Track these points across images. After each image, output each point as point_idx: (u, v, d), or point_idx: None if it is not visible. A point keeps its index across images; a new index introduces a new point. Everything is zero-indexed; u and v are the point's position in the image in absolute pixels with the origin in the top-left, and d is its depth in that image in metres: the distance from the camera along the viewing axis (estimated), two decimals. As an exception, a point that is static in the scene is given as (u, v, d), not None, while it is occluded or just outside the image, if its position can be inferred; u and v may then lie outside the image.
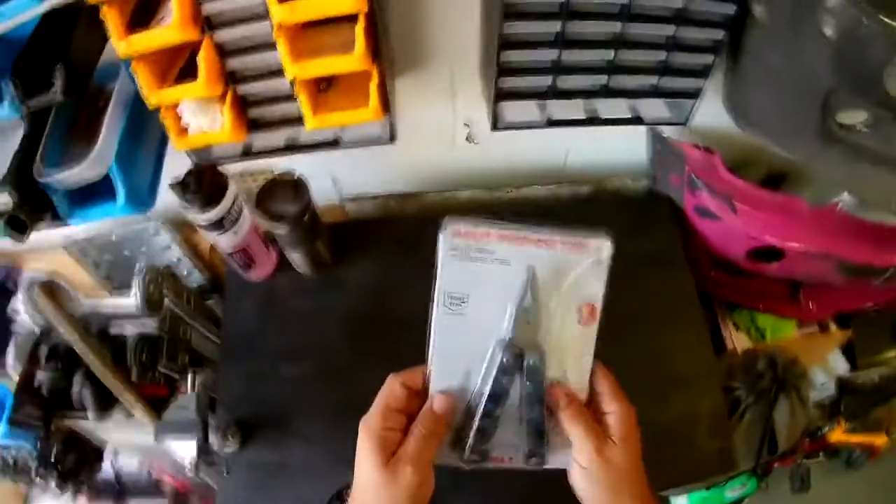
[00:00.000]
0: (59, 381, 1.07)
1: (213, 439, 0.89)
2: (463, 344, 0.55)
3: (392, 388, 0.56)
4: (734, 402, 1.06)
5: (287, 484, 0.93)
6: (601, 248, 0.55)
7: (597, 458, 0.53)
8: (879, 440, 1.56)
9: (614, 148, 1.11)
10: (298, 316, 1.04)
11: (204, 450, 0.85)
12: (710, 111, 0.95)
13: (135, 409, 0.97)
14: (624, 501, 0.54)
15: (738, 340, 1.20)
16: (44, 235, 0.96)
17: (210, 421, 0.87)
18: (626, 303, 0.97)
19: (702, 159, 0.97)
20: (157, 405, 0.98)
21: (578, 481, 0.55)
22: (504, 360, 0.54)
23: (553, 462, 0.57)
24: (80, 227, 1.02)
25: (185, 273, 1.29)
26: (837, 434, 1.51)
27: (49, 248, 1.28)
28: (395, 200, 1.17)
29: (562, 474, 0.58)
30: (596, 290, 0.55)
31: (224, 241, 0.92)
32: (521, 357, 0.54)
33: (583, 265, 0.55)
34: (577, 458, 0.55)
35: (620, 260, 0.99)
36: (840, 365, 1.40)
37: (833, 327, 1.30)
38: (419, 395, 0.56)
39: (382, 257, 1.05)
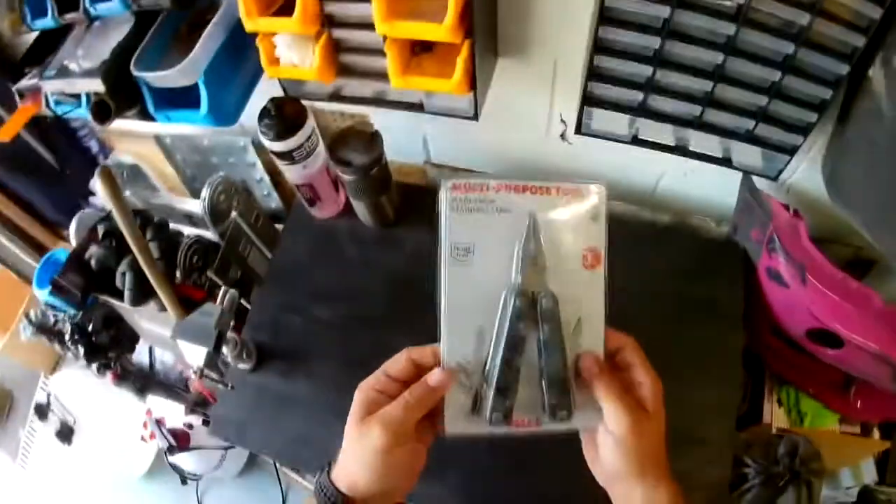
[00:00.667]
0: (108, 259, 1.13)
1: (229, 353, 0.93)
2: (473, 296, 0.55)
3: (397, 358, 0.57)
4: (741, 477, 1.01)
5: (284, 415, 0.96)
6: (598, 194, 0.56)
7: (634, 430, 0.52)
8: None
9: (706, 186, 1.06)
10: (347, 263, 1.07)
11: (212, 361, 0.89)
12: (808, 176, 0.90)
13: (168, 305, 1.02)
14: (648, 471, 0.54)
15: (776, 417, 1.14)
16: (140, 124, 1.03)
17: (230, 336, 0.91)
18: (667, 341, 0.95)
19: (787, 221, 0.91)
20: (191, 307, 1.02)
21: (608, 450, 0.54)
22: (517, 303, 0.54)
23: (579, 421, 0.56)
24: (175, 126, 1.07)
25: (265, 193, 1.35)
26: (848, 542, 1.42)
27: (142, 137, 1.36)
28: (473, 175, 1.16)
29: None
30: (596, 235, 0.56)
31: (292, 173, 0.95)
32: (534, 300, 0.54)
33: (581, 211, 0.56)
34: (611, 426, 0.53)
35: (677, 297, 0.97)
36: (870, 473, 1.32)
37: (876, 433, 1.21)
38: (425, 372, 0.55)
39: None
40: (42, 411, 1.79)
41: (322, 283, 1.05)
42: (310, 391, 0.96)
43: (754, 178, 0.92)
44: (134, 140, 1.41)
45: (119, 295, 1.12)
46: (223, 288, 0.92)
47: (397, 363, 0.56)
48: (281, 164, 0.93)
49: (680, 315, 0.98)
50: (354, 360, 0.94)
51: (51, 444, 1.75)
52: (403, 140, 0.93)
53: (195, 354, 0.89)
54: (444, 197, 0.55)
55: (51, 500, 1.74)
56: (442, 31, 0.69)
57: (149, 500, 1.65)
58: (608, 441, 0.54)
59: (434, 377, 0.54)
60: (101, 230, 1.14)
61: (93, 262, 1.14)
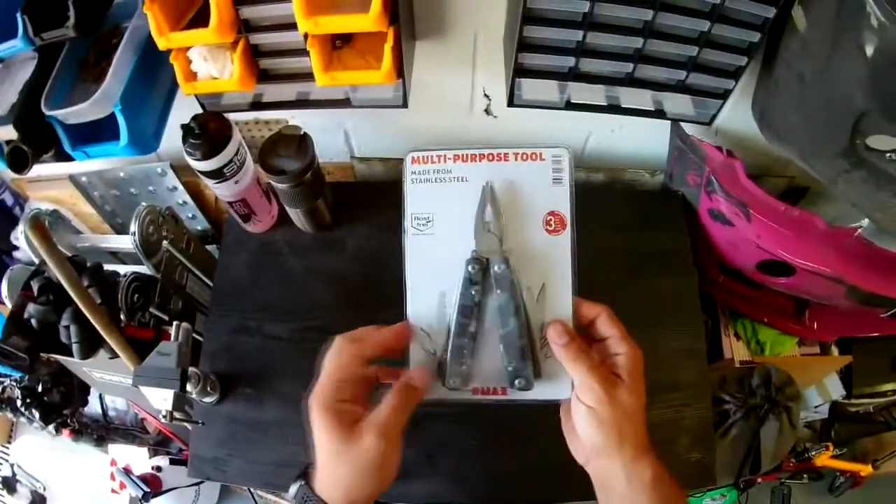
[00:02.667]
0: (49, 316, 1.06)
1: (192, 390, 0.88)
2: (434, 264, 0.56)
3: (345, 360, 0.55)
4: (722, 414, 1.04)
5: (261, 441, 0.92)
6: (559, 157, 0.56)
7: (606, 398, 0.51)
8: (865, 470, 1.56)
9: (634, 140, 1.08)
10: (292, 273, 1.03)
11: (180, 400, 0.85)
12: (737, 115, 0.93)
13: (119, 351, 0.96)
14: (626, 444, 0.52)
15: (737, 351, 1.18)
16: (51, 166, 0.97)
17: (191, 371, 0.87)
18: (626, 297, 0.95)
19: (723, 163, 0.94)
20: (142, 348, 0.97)
21: (582, 422, 0.53)
22: (469, 269, 0.55)
23: (543, 392, 0.56)
24: (88, 163, 1.01)
25: (190, 216, 1.29)
26: (824, 458, 1.50)
27: (56, 179, 1.28)
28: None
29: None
30: (560, 198, 0.56)
31: (223, 190, 0.90)
32: (486, 267, 0.55)
33: (541, 175, 0.56)
34: (582, 397, 0.53)
35: (625, 254, 0.98)
36: (836, 389, 1.39)
37: (834, 351, 1.27)
38: (369, 360, 0.55)
39: (385, 222, 1.01)
40: (10, 485, 1.69)
41: (270, 299, 1.01)
42: (280, 412, 0.93)
43: (686, 125, 0.94)
44: (48, 184, 1.32)
45: (66, 350, 1.05)
46: (175, 323, 0.88)
47: (345, 366, 0.54)
48: (211, 184, 0.88)
49: (632, 269, 1.00)
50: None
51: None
52: (324, 138, 0.90)
53: (160, 398, 0.85)
54: (405, 168, 0.56)
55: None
56: (368, 20, 0.67)
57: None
58: (581, 412, 0.53)
59: (417, 379, 0.55)
60: (35, 286, 1.06)
61: (33, 322, 1.06)
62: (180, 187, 1.19)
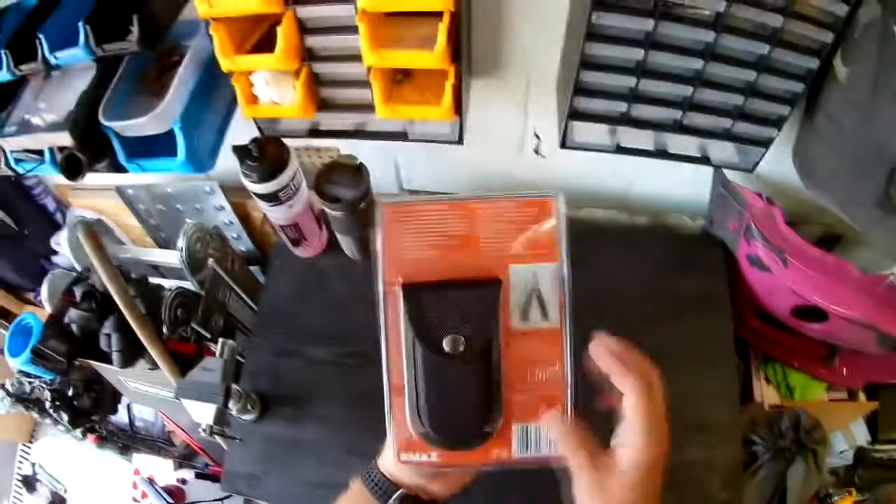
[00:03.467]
0: (90, 323, 1.08)
1: (234, 407, 0.90)
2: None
3: None
4: (751, 455, 1.05)
5: (297, 462, 0.94)
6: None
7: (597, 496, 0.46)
8: None
9: (679, 184, 1.10)
10: (337, 299, 1.05)
11: (222, 415, 0.87)
12: (778, 163, 0.94)
13: (161, 363, 0.98)
14: None
15: (766, 394, 1.18)
16: (99, 176, 0.99)
17: (232, 388, 0.89)
18: (663, 337, 0.97)
19: (762, 209, 0.95)
20: (182, 362, 0.99)
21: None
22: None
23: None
24: (137, 175, 1.04)
25: (235, 236, 1.31)
26: (847, 503, 1.48)
27: (102, 189, 1.31)
28: None
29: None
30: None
31: (277, 214, 0.93)
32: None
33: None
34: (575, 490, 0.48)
35: (664, 295, 1.00)
36: (861, 434, 1.38)
37: (861, 397, 1.27)
38: None
39: None
40: (30, 483, 1.72)
41: (315, 324, 1.03)
42: (319, 434, 0.95)
43: (729, 171, 0.96)
44: (92, 194, 1.35)
45: (105, 357, 1.08)
46: (221, 340, 0.90)
47: None
48: (265, 207, 0.91)
49: (670, 312, 1.01)
50: (359, 398, 0.95)
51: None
52: (374, 169, 0.93)
53: (202, 412, 0.87)
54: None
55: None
56: (434, 58, 0.69)
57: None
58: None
59: None
60: (78, 292, 1.09)
61: (74, 327, 1.08)
62: (227, 207, 1.22)
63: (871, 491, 1.45)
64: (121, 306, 0.93)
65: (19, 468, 1.76)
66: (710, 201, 1.04)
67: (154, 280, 1.16)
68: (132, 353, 1.06)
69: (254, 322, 1.05)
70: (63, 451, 1.71)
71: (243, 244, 1.32)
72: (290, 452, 0.94)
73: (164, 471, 1.52)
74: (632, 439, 0.47)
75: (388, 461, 0.56)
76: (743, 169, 0.91)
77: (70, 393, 1.42)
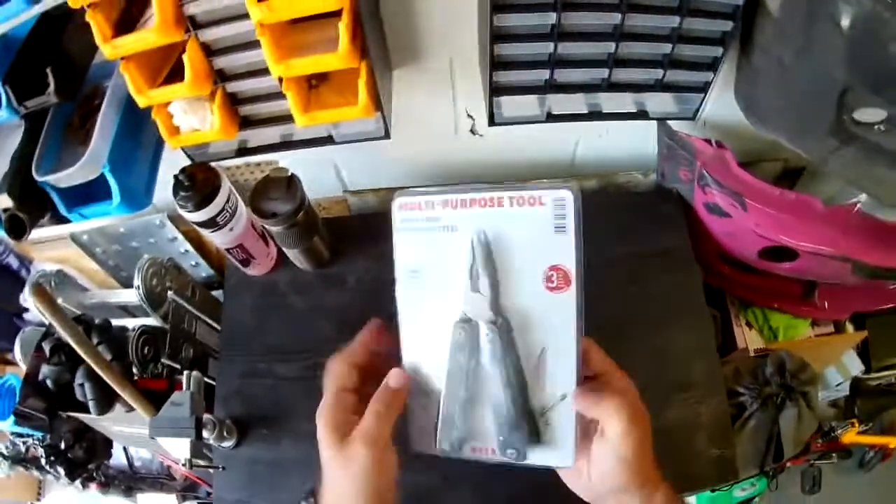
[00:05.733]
0: (62, 375, 1.07)
1: (209, 436, 0.89)
2: (427, 318, 0.52)
3: (338, 371, 0.55)
4: (739, 406, 1.03)
5: (283, 481, 0.92)
6: (561, 201, 0.47)
7: (639, 443, 0.50)
8: (893, 442, 1.52)
9: (623, 142, 1.08)
10: (296, 312, 1.04)
11: (197, 448, 0.86)
12: (722, 105, 0.92)
13: (134, 404, 0.97)
14: (647, 485, 0.51)
15: (750, 339, 1.17)
16: (51, 228, 0.99)
17: (206, 418, 0.87)
18: (630, 301, 0.96)
19: (713, 155, 0.93)
20: (157, 399, 0.98)
21: (608, 465, 0.51)
22: (457, 335, 0.50)
23: (544, 458, 0.52)
24: (87, 221, 1.03)
25: (193, 264, 1.30)
26: (851, 435, 1.47)
27: (59, 239, 1.29)
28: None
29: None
30: (563, 250, 0.48)
31: (219, 238, 0.91)
32: (476, 331, 0.50)
33: (541, 223, 0.48)
34: (618, 447, 0.50)
35: (625, 257, 0.98)
36: (855, 365, 1.37)
37: (849, 328, 1.26)
38: (368, 370, 0.55)
39: (382, 253, 1.02)
40: None
41: (277, 340, 1.02)
42: (299, 450, 0.93)
43: (672, 122, 0.94)
44: (51, 245, 1.34)
45: (83, 407, 1.07)
46: (186, 373, 0.89)
47: (341, 375, 0.54)
48: (206, 233, 0.89)
49: (634, 272, 1.00)
50: None
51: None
52: (316, 175, 0.91)
53: (178, 447, 0.85)
54: (394, 216, 0.51)
55: None
56: (337, 59, 0.67)
57: None
58: (610, 461, 0.51)
59: (393, 379, 0.53)
60: (46, 347, 1.08)
61: (48, 382, 1.08)
62: (180, 237, 1.21)
63: (873, 419, 1.45)
64: (84, 356, 0.92)
65: (30, 530, 1.75)
66: (657, 154, 1.02)
67: (119, 321, 1.15)
68: (107, 398, 1.05)
69: (219, 349, 1.04)
70: (70, 504, 1.70)
71: (203, 270, 1.31)
72: (273, 473, 0.93)
73: None
74: (623, 382, 0.53)
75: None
76: (684, 118, 0.89)
77: (62, 446, 1.41)
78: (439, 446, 0.53)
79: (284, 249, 0.99)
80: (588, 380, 0.52)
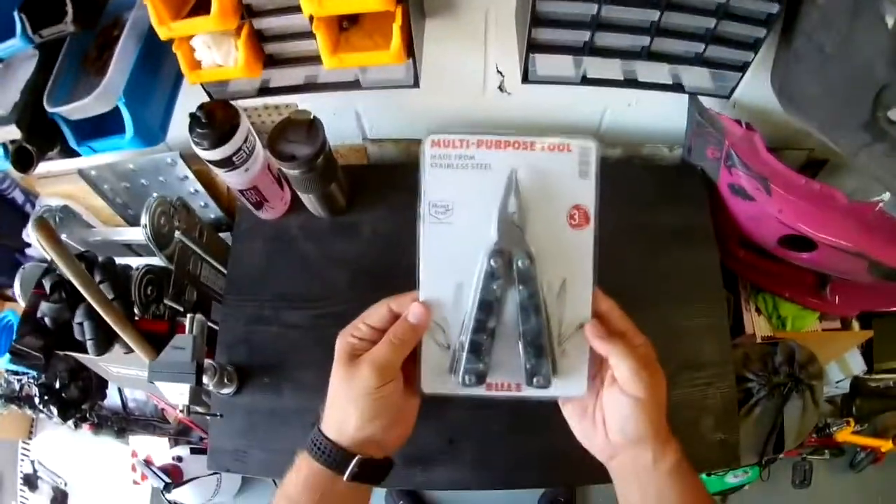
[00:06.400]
0: (61, 313, 1.05)
1: (209, 382, 0.88)
2: (451, 254, 0.54)
3: (376, 307, 0.56)
4: (746, 392, 1.03)
5: (281, 432, 0.92)
6: (587, 149, 0.53)
7: (651, 388, 0.51)
8: (885, 446, 1.55)
9: (651, 115, 1.05)
10: (307, 260, 1.01)
11: (196, 395, 0.84)
12: (756, 88, 0.90)
13: (134, 346, 0.95)
14: (659, 431, 0.53)
15: (758, 326, 1.16)
16: (60, 162, 0.98)
17: (206, 363, 0.86)
18: (647, 274, 0.95)
19: (742, 136, 0.92)
20: (157, 341, 0.96)
21: (623, 414, 0.53)
22: (491, 264, 0.53)
23: (560, 389, 0.55)
24: (97, 157, 1.00)
25: (202, 205, 1.28)
26: (845, 434, 1.49)
27: (66, 175, 1.27)
28: (417, 146, 1.11)
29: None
30: (585, 192, 0.54)
31: (234, 179, 0.89)
32: (509, 260, 0.53)
33: (567, 167, 0.53)
34: (628, 388, 0.52)
35: (645, 230, 0.97)
36: (857, 364, 1.37)
37: (855, 326, 1.25)
38: (395, 312, 0.56)
39: (400, 205, 0.98)
40: (31, 482, 1.71)
41: (286, 287, 1.00)
42: (300, 401, 0.92)
43: (704, 98, 0.92)
44: (58, 181, 1.31)
45: (81, 347, 1.05)
46: (189, 315, 0.87)
47: (377, 312, 0.56)
48: (221, 173, 0.87)
49: (652, 245, 0.98)
50: None
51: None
52: (336, 121, 0.88)
53: (177, 392, 0.84)
54: (423, 153, 0.53)
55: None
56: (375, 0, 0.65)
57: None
58: (623, 404, 0.53)
59: (413, 312, 0.54)
60: (47, 284, 1.06)
61: (46, 320, 1.06)
62: (191, 176, 1.18)
63: (869, 420, 1.45)
64: (85, 294, 0.90)
65: (22, 467, 1.76)
66: (686, 130, 1.00)
67: (124, 260, 1.13)
68: (106, 339, 1.03)
69: (224, 293, 1.02)
70: (61, 443, 1.71)
71: (212, 211, 1.29)
72: (271, 422, 0.92)
73: (161, 450, 1.53)
74: (641, 340, 0.55)
75: (335, 425, 0.54)
76: (719, 95, 0.87)
77: (57, 386, 1.41)
78: (463, 379, 0.54)
79: (300, 194, 0.96)
80: None
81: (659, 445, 0.53)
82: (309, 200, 0.98)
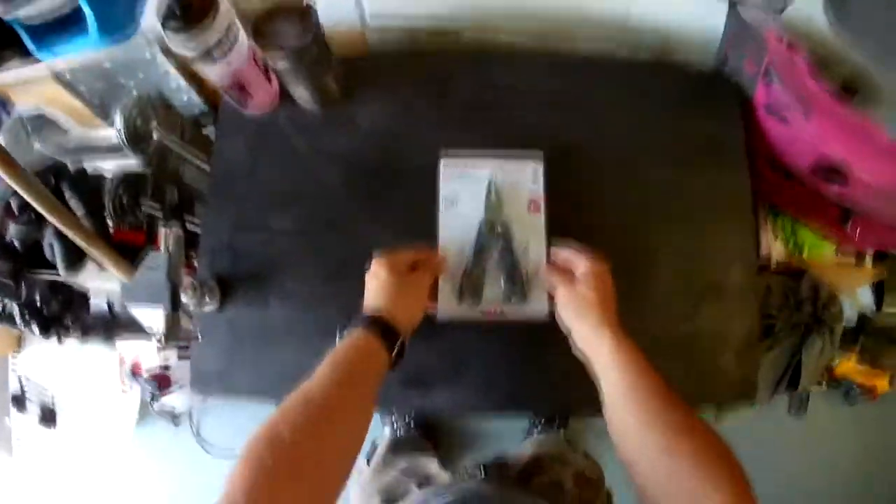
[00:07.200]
0: (31, 234, 0.98)
1: (188, 301, 0.81)
2: (458, 229, 0.83)
3: (426, 249, 0.79)
4: (767, 328, 0.98)
5: (268, 351, 0.86)
6: (537, 166, 0.85)
7: (565, 291, 0.73)
8: (882, 384, 1.55)
9: (686, 15, 0.95)
10: (297, 157, 0.92)
11: (174, 322, 0.77)
12: (803, 4, 0.82)
13: (106, 263, 0.87)
14: (588, 324, 0.69)
15: (774, 248, 1.12)
16: (33, 68, 0.94)
17: (186, 280, 0.79)
18: (671, 189, 0.89)
19: (784, 54, 0.82)
20: (132, 254, 0.89)
21: (559, 312, 0.74)
22: (482, 227, 0.82)
23: (530, 305, 0.80)
24: (69, 57, 0.92)
25: (185, 99, 1.16)
26: (846, 367, 1.47)
27: (41, 80, 1.15)
28: (425, 34, 0.99)
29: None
30: (537, 192, 0.84)
31: (215, 73, 0.79)
32: (492, 226, 0.82)
33: (525, 176, 0.85)
34: (556, 296, 0.75)
35: (672, 140, 0.91)
36: (867, 300, 1.34)
37: (868, 261, 1.21)
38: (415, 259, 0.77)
39: (401, 97, 0.91)
40: (20, 401, 1.70)
41: (274, 189, 0.91)
42: (288, 315, 0.86)
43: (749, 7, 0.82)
44: (32, 87, 1.19)
45: (54, 266, 0.98)
46: (164, 230, 0.79)
47: (425, 250, 0.79)
48: (201, 67, 0.77)
49: (680, 161, 0.91)
50: (329, 269, 0.87)
51: (37, 433, 1.70)
52: (332, 2, 0.76)
53: (153, 317, 0.77)
54: (442, 165, 0.85)
55: (52, 484, 1.73)
56: None
57: (147, 452, 1.67)
58: (557, 305, 0.74)
59: (440, 251, 0.82)
60: (14, 204, 0.97)
61: (16, 242, 0.98)
62: (172, 71, 1.06)
63: (871, 357, 1.44)
64: (47, 216, 0.81)
65: (11, 385, 1.74)
66: (722, 36, 0.90)
67: (107, 163, 1.03)
68: (76, 258, 0.96)
69: (206, 197, 0.92)
70: (47, 356, 1.69)
71: (196, 107, 1.17)
72: (258, 340, 0.86)
73: (149, 354, 1.50)
74: (582, 263, 0.73)
75: (399, 315, 0.70)
76: (770, 8, 0.77)
77: (38, 303, 1.35)
78: (466, 302, 0.80)
79: (289, 86, 0.87)
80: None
81: (590, 329, 0.68)
82: (299, 92, 0.88)
